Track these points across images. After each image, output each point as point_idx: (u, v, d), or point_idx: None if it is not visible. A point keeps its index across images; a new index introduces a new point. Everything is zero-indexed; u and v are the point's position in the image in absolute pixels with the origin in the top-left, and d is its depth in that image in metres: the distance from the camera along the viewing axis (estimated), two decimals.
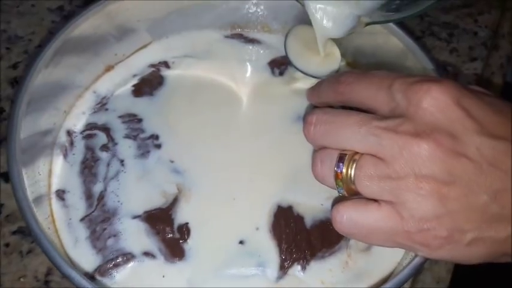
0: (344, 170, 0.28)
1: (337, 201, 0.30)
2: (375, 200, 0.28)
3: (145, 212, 0.35)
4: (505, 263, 0.33)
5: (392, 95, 0.28)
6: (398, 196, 0.26)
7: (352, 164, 0.27)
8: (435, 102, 0.26)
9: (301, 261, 0.33)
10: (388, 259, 0.35)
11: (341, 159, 0.28)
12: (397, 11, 0.35)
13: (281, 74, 0.43)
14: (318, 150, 0.30)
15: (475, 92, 0.28)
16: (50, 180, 0.36)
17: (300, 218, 0.35)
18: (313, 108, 0.37)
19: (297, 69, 0.39)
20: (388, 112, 0.28)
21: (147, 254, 0.33)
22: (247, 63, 0.43)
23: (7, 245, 0.40)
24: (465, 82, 0.55)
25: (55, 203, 0.35)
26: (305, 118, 0.30)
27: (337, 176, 0.28)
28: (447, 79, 0.27)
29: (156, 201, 0.35)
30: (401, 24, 0.39)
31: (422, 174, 0.26)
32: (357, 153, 0.28)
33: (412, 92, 0.27)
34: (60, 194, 0.36)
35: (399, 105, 0.27)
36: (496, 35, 0.58)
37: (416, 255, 0.30)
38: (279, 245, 0.34)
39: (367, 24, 0.36)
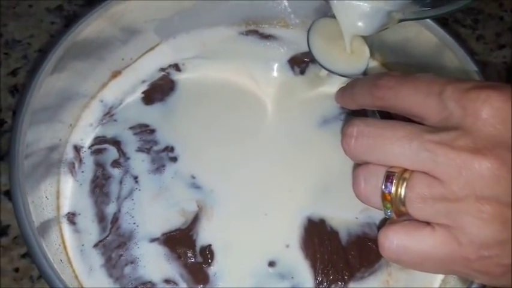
0: (393, 191, 0.24)
1: (383, 224, 0.27)
2: (427, 223, 0.25)
3: (164, 234, 0.32)
4: None
5: (443, 103, 0.24)
6: (455, 220, 0.23)
7: (402, 183, 0.24)
8: (496, 112, 0.23)
9: (339, 283, 0.31)
10: (431, 277, 0.32)
11: (389, 178, 0.25)
12: (433, 5, 0.32)
13: (302, 72, 0.40)
14: (360, 166, 0.27)
15: None
16: (58, 202, 0.33)
17: (334, 234, 0.32)
18: (348, 116, 0.34)
19: (322, 67, 0.36)
20: (438, 122, 0.25)
21: (168, 281, 0.30)
22: (265, 62, 0.40)
23: (16, 270, 0.37)
24: (495, 71, 0.52)
25: (66, 228, 0.32)
26: (344, 130, 0.27)
27: (384, 197, 0.25)
28: (507, 85, 0.24)
29: (174, 221, 0.32)
30: None
31: (483, 195, 0.23)
32: (406, 170, 0.25)
33: (468, 100, 0.24)
34: (71, 218, 0.33)
35: (453, 114, 0.24)
36: None
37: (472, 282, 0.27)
38: (314, 266, 0.31)
39: (401, 20, 0.32)
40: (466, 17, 0.54)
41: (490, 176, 0.23)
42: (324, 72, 0.38)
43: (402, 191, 0.24)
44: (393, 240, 0.25)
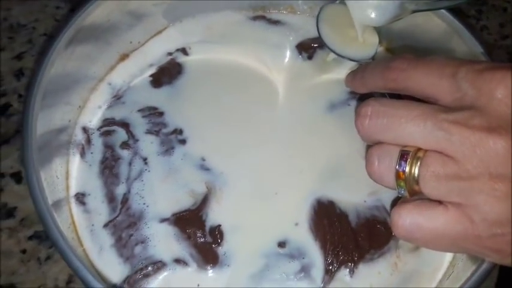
0: (407, 169, 0.25)
1: (395, 200, 0.27)
2: (440, 202, 0.25)
3: (174, 215, 0.32)
4: None
5: (457, 84, 0.25)
6: (468, 198, 0.24)
7: (416, 162, 0.24)
8: (510, 92, 0.23)
9: (348, 264, 0.31)
10: (439, 259, 0.32)
11: (403, 156, 0.25)
12: None
13: (310, 58, 0.40)
14: (374, 146, 0.27)
15: None
16: (67, 182, 0.33)
17: (343, 216, 0.32)
18: (359, 102, 0.34)
19: (332, 51, 0.36)
20: (452, 102, 0.25)
21: (178, 261, 0.30)
22: (273, 47, 0.40)
23: (24, 251, 0.37)
24: (498, 61, 0.52)
25: (75, 208, 0.32)
26: (358, 110, 0.27)
27: (398, 175, 0.25)
28: None
29: (184, 202, 0.32)
30: None
31: (497, 173, 0.23)
32: (420, 149, 0.25)
33: (483, 80, 0.24)
34: (80, 198, 0.33)
35: (467, 95, 0.24)
36: None
37: (483, 261, 0.27)
38: (324, 247, 0.31)
39: (414, 11, 0.33)
40: (471, 7, 0.55)
41: (505, 154, 0.23)
42: (330, 57, 0.38)
43: (416, 169, 0.25)
44: (406, 218, 0.25)
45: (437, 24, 0.36)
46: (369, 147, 0.27)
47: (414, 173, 0.25)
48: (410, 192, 0.25)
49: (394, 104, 0.26)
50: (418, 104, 0.25)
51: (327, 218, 0.32)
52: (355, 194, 0.33)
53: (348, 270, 0.31)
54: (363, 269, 0.31)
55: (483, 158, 0.23)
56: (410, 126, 0.25)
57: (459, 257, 0.31)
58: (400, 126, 0.25)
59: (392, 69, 0.28)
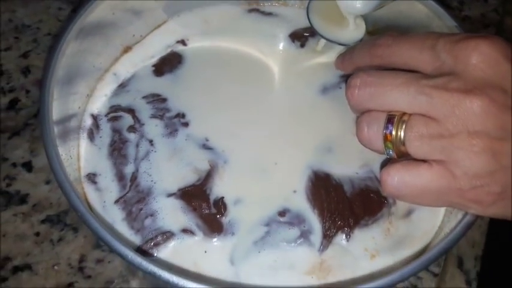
0: (394, 132, 0.27)
1: (384, 164, 0.30)
2: (424, 161, 0.27)
3: (180, 190, 0.34)
4: None
5: (436, 54, 0.27)
6: (450, 154, 0.26)
7: (402, 125, 0.27)
8: (484, 57, 0.26)
9: (345, 229, 0.33)
10: (429, 224, 0.34)
11: (390, 120, 0.27)
12: None
13: (302, 46, 0.42)
14: (363, 114, 0.29)
15: None
16: (79, 164, 0.36)
17: (339, 186, 0.34)
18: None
19: (322, 36, 0.38)
20: (432, 71, 0.28)
21: (185, 231, 0.33)
22: (267, 37, 0.43)
23: (37, 234, 0.39)
24: None
25: (87, 187, 0.35)
26: (348, 82, 0.30)
27: (386, 138, 0.28)
28: (493, 35, 0.27)
29: (189, 178, 0.35)
30: None
31: (475, 130, 0.25)
32: (405, 113, 0.27)
33: (459, 49, 0.26)
34: (92, 178, 0.35)
35: (445, 63, 0.27)
36: (506, 1, 0.58)
37: (466, 214, 0.29)
38: (321, 214, 0.33)
39: None
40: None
41: (481, 112, 0.25)
42: (320, 46, 0.41)
43: (402, 131, 0.27)
44: (394, 176, 0.28)
45: (419, 10, 0.39)
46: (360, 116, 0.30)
47: (400, 135, 0.27)
48: (398, 153, 0.28)
49: (381, 74, 0.29)
50: (403, 73, 0.28)
51: (323, 188, 0.34)
52: (348, 167, 0.36)
53: (344, 235, 0.33)
54: (358, 234, 0.33)
55: (461, 117, 0.26)
56: (395, 93, 0.27)
57: (446, 220, 0.34)
58: (386, 93, 0.28)
59: (378, 46, 0.31)
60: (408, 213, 0.35)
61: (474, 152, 0.26)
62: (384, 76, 0.28)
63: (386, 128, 0.27)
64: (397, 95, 0.27)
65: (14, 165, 0.42)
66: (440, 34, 0.28)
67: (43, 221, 0.40)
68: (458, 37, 0.27)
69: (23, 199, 0.41)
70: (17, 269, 0.37)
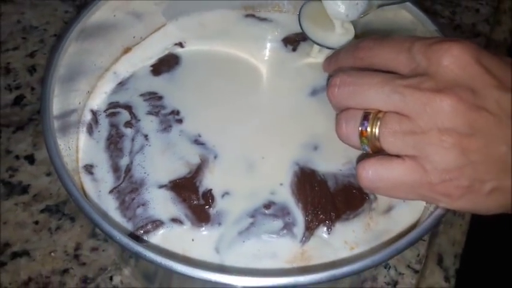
0: (369, 128, 0.29)
1: (361, 159, 0.31)
2: (398, 156, 0.29)
3: (171, 182, 0.36)
4: None
5: (412, 56, 0.29)
6: (421, 150, 0.28)
7: (377, 122, 0.29)
8: (455, 59, 0.28)
9: (327, 222, 0.34)
10: (407, 221, 0.36)
11: (366, 117, 0.29)
12: None
13: (294, 50, 0.44)
14: (342, 111, 0.31)
15: (492, 52, 0.29)
16: (77, 155, 0.37)
17: (323, 182, 0.36)
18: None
19: (315, 42, 0.40)
20: (408, 72, 0.29)
21: (174, 220, 0.34)
22: (261, 41, 0.45)
23: (36, 222, 0.41)
24: None
25: (84, 177, 0.36)
26: (329, 81, 0.31)
27: (362, 134, 0.29)
28: (465, 39, 0.29)
29: (180, 171, 0.36)
30: None
31: (444, 127, 0.27)
32: (380, 111, 0.29)
33: (432, 51, 0.28)
34: (89, 169, 0.37)
35: (420, 65, 0.29)
36: (497, 11, 0.60)
37: (436, 208, 0.31)
38: (305, 207, 0.35)
39: (379, 6, 0.37)
40: (445, 9, 0.60)
41: (450, 110, 0.27)
42: (314, 52, 0.43)
43: (377, 129, 0.29)
44: (369, 170, 0.29)
45: (404, 16, 0.41)
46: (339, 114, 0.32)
47: (375, 131, 0.29)
48: (373, 149, 0.30)
49: (359, 74, 0.30)
50: (379, 73, 0.30)
51: (308, 183, 0.36)
52: (333, 164, 0.37)
53: (325, 227, 0.35)
54: (339, 227, 0.35)
55: (432, 115, 0.27)
56: (371, 92, 0.29)
57: (423, 216, 0.35)
58: (363, 92, 0.29)
59: (361, 49, 0.32)
60: (388, 210, 0.36)
61: (444, 148, 0.27)
62: (362, 76, 0.30)
63: (362, 124, 0.29)
64: (373, 94, 0.29)
65: (17, 157, 0.44)
66: (418, 38, 0.30)
67: (42, 211, 0.42)
68: (433, 40, 0.29)
69: (24, 189, 0.43)
70: (15, 255, 0.39)
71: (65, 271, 0.39)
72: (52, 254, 0.39)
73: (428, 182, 0.28)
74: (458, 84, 0.27)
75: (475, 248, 0.41)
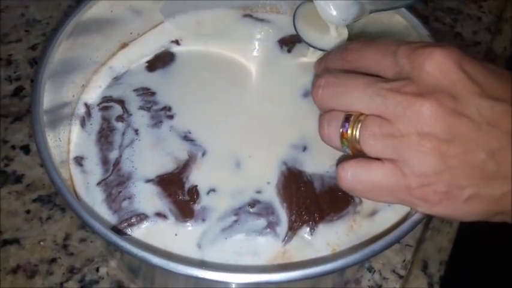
0: (349, 130, 0.29)
1: (341, 160, 0.32)
2: (378, 159, 0.29)
3: (158, 176, 0.36)
4: (505, 232, 0.34)
5: (397, 60, 0.29)
6: (400, 154, 0.28)
7: (358, 124, 0.29)
8: (437, 64, 0.28)
9: (310, 223, 0.35)
10: (391, 224, 0.36)
11: (347, 119, 0.29)
12: None
13: (289, 51, 0.45)
14: (325, 112, 0.31)
15: (475, 57, 0.29)
16: (68, 147, 0.38)
17: (309, 183, 0.36)
18: None
19: (307, 43, 0.41)
20: (392, 76, 0.29)
21: (159, 214, 0.35)
22: (257, 41, 0.45)
23: (28, 211, 0.42)
24: None
25: (74, 169, 0.37)
26: (314, 82, 0.32)
27: (342, 135, 0.29)
28: (449, 44, 0.29)
29: (168, 166, 0.37)
30: None
31: (424, 132, 0.27)
32: (362, 114, 0.29)
33: (415, 56, 0.28)
34: (79, 160, 0.37)
35: (403, 69, 0.29)
36: (499, 20, 0.59)
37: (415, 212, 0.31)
38: (289, 207, 0.35)
39: (372, 11, 0.37)
40: (446, 16, 0.60)
41: (429, 115, 0.27)
42: (307, 51, 0.43)
43: (357, 131, 0.29)
44: (348, 171, 0.29)
45: (398, 21, 0.41)
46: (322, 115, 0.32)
47: (355, 134, 0.29)
48: (353, 151, 0.30)
49: (343, 76, 0.31)
50: (363, 76, 0.30)
51: (294, 184, 0.36)
52: (321, 166, 0.38)
53: (308, 228, 0.35)
54: (322, 228, 0.35)
55: (412, 119, 0.27)
56: (354, 94, 0.29)
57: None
58: (346, 94, 0.30)
59: (349, 51, 0.33)
60: (373, 213, 0.36)
61: (422, 152, 0.27)
62: (345, 78, 0.30)
63: (343, 126, 0.29)
64: (356, 96, 0.29)
65: (13, 147, 0.45)
66: (403, 42, 0.30)
67: (35, 200, 0.42)
68: (417, 45, 0.29)
69: (18, 179, 0.43)
70: (6, 242, 0.40)
71: (53, 260, 0.39)
72: (41, 243, 0.40)
73: (406, 186, 0.28)
74: (440, 90, 0.27)
75: (461, 256, 0.41)
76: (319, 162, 0.38)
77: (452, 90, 0.28)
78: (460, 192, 0.28)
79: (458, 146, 0.27)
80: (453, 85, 0.28)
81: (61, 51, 0.38)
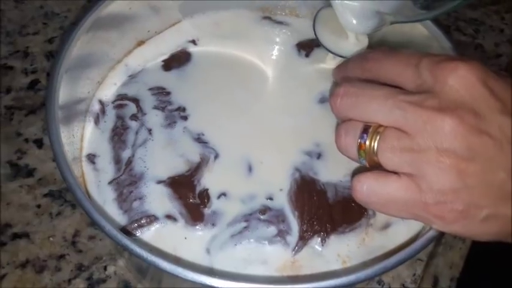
0: (368, 142, 0.28)
1: (357, 172, 0.31)
2: (395, 173, 0.28)
3: (169, 178, 0.36)
4: None
5: (419, 73, 0.28)
6: (418, 169, 0.27)
7: (376, 136, 0.28)
8: (461, 80, 0.27)
9: (321, 233, 0.34)
10: (403, 239, 0.35)
11: (365, 130, 0.29)
12: (427, 8, 0.36)
13: (307, 55, 0.44)
14: (343, 122, 0.31)
15: (500, 74, 0.28)
16: (82, 144, 0.38)
17: (322, 192, 0.36)
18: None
19: (326, 48, 0.40)
20: (414, 88, 0.29)
21: (169, 217, 0.35)
22: (275, 44, 0.45)
23: (39, 206, 0.42)
24: None
25: (86, 166, 0.37)
26: (332, 90, 0.31)
27: (360, 146, 0.29)
28: (473, 59, 0.28)
29: (179, 168, 0.37)
30: None
31: (443, 148, 0.26)
32: (381, 125, 0.29)
33: (439, 69, 0.28)
34: (91, 158, 0.37)
35: (426, 82, 0.28)
36: None
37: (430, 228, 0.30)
38: (301, 216, 0.35)
39: (392, 23, 0.37)
40: (468, 26, 0.59)
41: (450, 131, 0.26)
42: (325, 56, 0.43)
43: (375, 143, 0.28)
44: (364, 184, 0.29)
45: (420, 32, 0.40)
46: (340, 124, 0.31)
47: (373, 145, 0.28)
48: (370, 163, 0.29)
49: (362, 85, 0.30)
50: (383, 87, 0.29)
51: (307, 192, 0.36)
52: (335, 174, 0.37)
53: (320, 239, 0.34)
54: (333, 239, 0.35)
55: (432, 134, 0.27)
56: (373, 105, 0.29)
57: (420, 236, 0.34)
58: (364, 104, 0.29)
59: (369, 60, 0.32)
60: (386, 226, 0.36)
61: (441, 169, 0.27)
62: (365, 88, 0.30)
63: (361, 137, 0.29)
64: (375, 107, 0.29)
65: (27, 140, 0.45)
66: (426, 54, 0.29)
67: (45, 195, 0.42)
68: (441, 58, 0.28)
69: (30, 172, 0.43)
70: (15, 236, 0.40)
71: (61, 256, 0.39)
72: (51, 238, 0.40)
73: (422, 202, 0.27)
74: (462, 106, 0.27)
75: (473, 274, 0.40)
76: (333, 171, 0.37)
77: (475, 107, 0.27)
78: (477, 211, 0.27)
79: (478, 164, 0.26)
80: (476, 101, 0.27)
81: (78, 46, 0.38)
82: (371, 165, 0.29)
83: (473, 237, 0.29)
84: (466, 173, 0.26)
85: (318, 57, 0.44)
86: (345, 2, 0.36)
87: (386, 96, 0.29)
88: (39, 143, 0.45)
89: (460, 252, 0.41)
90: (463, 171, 0.26)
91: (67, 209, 0.42)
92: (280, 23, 0.46)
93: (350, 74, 0.34)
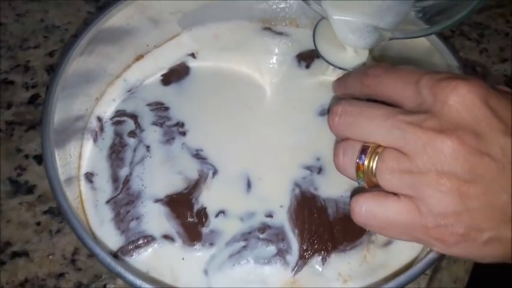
0: (366, 162, 0.28)
1: (356, 192, 0.30)
2: (395, 194, 0.28)
3: (167, 196, 0.36)
4: None
5: (419, 91, 0.28)
6: (418, 191, 0.26)
7: (375, 157, 0.28)
8: (462, 99, 0.26)
9: (322, 252, 0.34)
10: (405, 256, 0.35)
11: (364, 151, 0.28)
12: (429, 21, 0.35)
13: (307, 67, 0.43)
14: (341, 141, 0.30)
15: (502, 92, 0.28)
16: (79, 162, 0.38)
17: (323, 209, 0.35)
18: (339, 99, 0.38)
19: (326, 60, 0.39)
20: (414, 107, 0.28)
21: (166, 237, 0.34)
22: (275, 55, 0.44)
23: (38, 223, 0.41)
24: (494, 83, 0.54)
25: (84, 185, 0.37)
26: (330, 108, 0.31)
27: (358, 167, 0.28)
28: (475, 77, 0.27)
29: (177, 186, 0.36)
30: None
31: (443, 170, 0.26)
32: (380, 146, 0.28)
33: (439, 88, 0.27)
34: (89, 177, 0.37)
35: (425, 100, 0.27)
36: None
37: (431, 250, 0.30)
38: (301, 234, 0.34)
39: (391, 38, 0.36)
40: (473, 30, 0.57)
41: (450, 153, 0.26)
42: (326, 68, 0.42)
43: (374, 164, 0.28)
44: (363, 205, 0.28)
45: (422, 43, 0.39)
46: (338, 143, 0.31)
47: (372, 166, 0.28)
48: (369, 184, 0.29)
49: (361, 104, 0.29)
50: (382, 106, 0.29)
51: (307, 209, 0.35)
52: (336, 190, 0.36)
53: (320, 258, 0.34)
54: (334, 258, 0.34)
55: (432, 156, 0.26)
56: (372, 125, 0.28)
57: (422, 252, 0.34)
58: (363, 124, 0.28)
59: (368, 76, 0.31)
60: (388, 243, 0.35)
61: (441, 191, 0.26)
62: (363, 107, 0.29)
63: (359, 157, 0.28)
64: (374, 127, 0.28)
65: (27, 156, 0.45)
66: (426, 71, 0.29)
67: (45, 212, 0.42)
68: (441, 76, 0.28)
69: (30, 189, 0.43)
70: (15, 255, 0.40)
71: (61, 275, 0.39)
72: (50, 256, 0.40)
73: (422, 225, 0.27)
74: (463, 126, 0.26)
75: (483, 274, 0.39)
76: (334, 186, 0.36)
77: (476, 128, 0.26)
78: (478, 234, 0.26)
79: (480, 186, 0.26)
80: (477, 122, 0.26)
81: (76, 63, 0.38)
82: (370, 186, 0.29)
83: (475, 260, 0.28)
84: (467, 195, 0.26)
85: (318, 68, 0.43)
86: (342, 18, 0.35)
87: (385, 116, 0.28)
88: (38, 159, 0.45)
89: (464, 266, 0.40)
90: (464, 194, 0.26)
91: (66, 226, 0.41)
92: (280, 33, 0.46)
93: (350, 89, 0.34)
